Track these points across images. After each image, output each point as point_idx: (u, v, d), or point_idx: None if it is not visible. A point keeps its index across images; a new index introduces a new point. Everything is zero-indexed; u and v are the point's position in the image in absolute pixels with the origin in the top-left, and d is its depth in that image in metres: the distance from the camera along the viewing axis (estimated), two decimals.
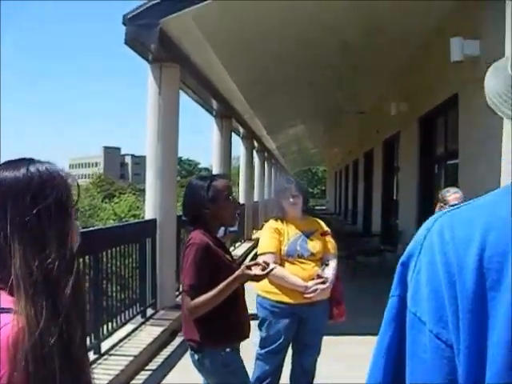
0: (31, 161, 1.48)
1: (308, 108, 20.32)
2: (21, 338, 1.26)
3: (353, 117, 22.10)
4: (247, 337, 3.78)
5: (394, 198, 18.30)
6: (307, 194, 5.54)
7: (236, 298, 3.57)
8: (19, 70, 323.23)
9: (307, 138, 30.61)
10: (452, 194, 5.60)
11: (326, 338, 5.21)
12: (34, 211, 1.38)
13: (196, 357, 3.61)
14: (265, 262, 3.63)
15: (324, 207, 55.91)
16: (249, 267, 3.52)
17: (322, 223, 5.31)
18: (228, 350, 3.56)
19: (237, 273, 3.50)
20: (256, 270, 3.52)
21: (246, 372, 3.81)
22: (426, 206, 12.35)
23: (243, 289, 3.75)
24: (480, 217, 1.01)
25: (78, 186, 1.55)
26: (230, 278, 3.46)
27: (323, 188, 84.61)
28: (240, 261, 12.41)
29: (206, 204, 3.60)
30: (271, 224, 5.16)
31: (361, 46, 12.08)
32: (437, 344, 0.98)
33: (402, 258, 1.11)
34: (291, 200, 5.06)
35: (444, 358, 0.97)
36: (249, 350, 4.93)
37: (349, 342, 7.47)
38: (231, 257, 3.84)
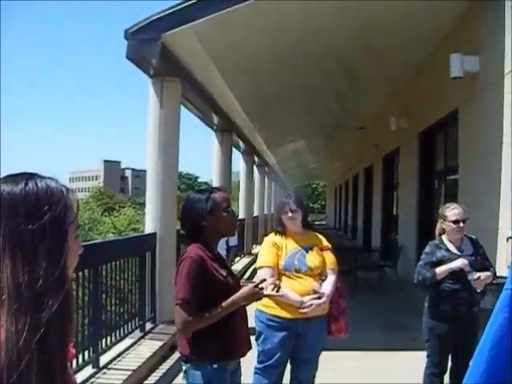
0: (32, 176, 1.47)
1: (308, 123, 20.36)
2: None
3: (353, 132, 22.14)
4: (242, 355, 3.72)
5: (394, 213, 18.30)
6: (307, 208, 5.55)
7: (232, 314, 3.52)
8: (18, 80, 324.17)
9: (307, 152, 30.63)
10: (451, 210, 5.61)
11: (324, 353, 5.20)
12: (28, 228, 1.37)
13: (184, 367, 3.59)
14: (274, 284, 3.68)
15: (324, 222, 55.87)
16: (258, 287, 3.54)
17: (323, 238, 5.30)
18: (215, 366, 3.49)
19: (244, 292, 3.50)
20: (268, 291, 3.60)
21: None
22: (426, 222, 12.36)
23: (243, 307, 3.69)
24: None
25: (77, 203, 1.53)
26: (236, 297, 3.47)
27: (323, 203, 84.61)
28: (240, 275, 12.40)
29: (204, 216, 3.59)
30: (270, 238, 5.17)
31: (361, 62, 12.13)
32: None
33: None
34: (290, 215, 5.06)
35: None
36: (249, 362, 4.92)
37: (347, 357, 7.45)
38: (230, 272, 3.79)
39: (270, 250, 5.03)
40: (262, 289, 3.57)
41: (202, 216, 3.60)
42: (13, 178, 1.45)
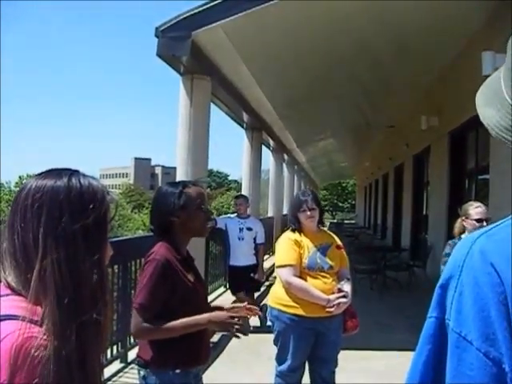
0: (74, 172, 1.48)
1: (338, 122, 20.30)
2: (31, 345, 1.25)
3: (382, 131, 22.05)
4: (203, 363, 3.51)
5: (424, 212, 18.17)
6: (323, 206, 5.49)
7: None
8: (51, 80, 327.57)
9: (337, 151, 30.55)
10: (474, 208, 5.52)
11: (348, 352, 5.18)
12: (70, 223, 1.38)
13: (142, 373, 3.34)
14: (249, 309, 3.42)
15: (353, 221, 55.68)
16: (233, 318, 3.28)
17: (335, 237, 5.29)
18: (178, 371, 3.27)
19: (213, 316, 3.28)
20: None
21: None
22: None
23: (208, 310, 3.44)
24: None
25: (117, 204, 1.55)
26: (202, 321, 3.23)
27: (353, 202, 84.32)
28: (269, 273, 12.37)
29: (175, 212, 3.33)
30: (289, 235, 5.12)
31: (391, 60, 12.07)
32: (484, 362, 1.00)
33: (441, 281, 1.13)
34: (308, 213, 5.01)
35: (492, 375, 0.99)
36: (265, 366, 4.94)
37: (376, 356, 7.42)
38: (197, 275, 3.54)
39: (291, 247, 4.96)
40: (236, 323, 3.28)
41: (173, 212, 3.33)
42: (56, 172, 1.47)
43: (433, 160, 16.18)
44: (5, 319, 1.29)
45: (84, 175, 1.48)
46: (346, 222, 52.41)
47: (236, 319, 3.28)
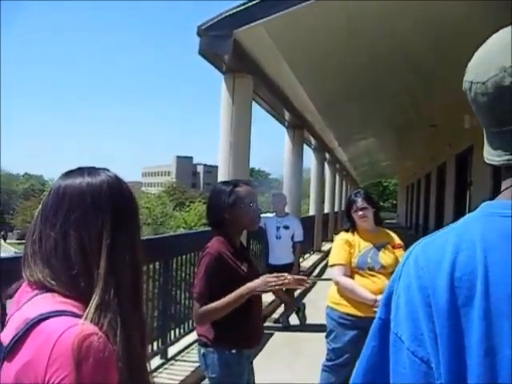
0: (106, 170, 1.50)
1: (379, 121, 20.15)
2: (95, 340, 1.25)
3: (424, 130, 21.84)
4: (256, 345, 3.84)
5: (467, 213, 17.95)
6: (377, 205, 5.48)
7: (250, 306, 3.59)
8: (98, 82, 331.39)
9: (379, 150, 30.33)
10: None
11: None
12: (132, 223, 1.44)
13: (202, 351, 3.64)
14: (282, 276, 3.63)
15: (394, 221, 55.28)
16: (270, 279, 3.56)
17: (395, 236, 5.25)
18: (233, 351, 3.57)
19: (251, 283, 3.54)
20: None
21: (246, 381, 3.75)
22: None
23: (260, 298, 3.77)
24: (450, 241, 1.11)
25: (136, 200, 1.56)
26: (242, 288, 3.51)
27: (394, 202, 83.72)
28: (308, 272, 12.39)
29: (226, 209, 3.65)
30: (342, 236, 5.17)
31: (433, 58, 11.95)
32: (413, 360, 1.07)
33: (388, 284, 1.21)
34: (360, 213, 5.04)
35: (420, 373, 1.06)
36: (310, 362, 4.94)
37: None
38: (251, 266, 3.81)
39: (342, 248, 5.03)
40: (272, 282, 3.52)
41: (224, 209, 3.65)
42: (95, 171, 1.48)
43: (476, 160, 16.01)
44: (59, 315, 1.29)
45: (109, 171, 1.50)
46: (386, 221, 52.03)
47: (275, 280, 3.53)
